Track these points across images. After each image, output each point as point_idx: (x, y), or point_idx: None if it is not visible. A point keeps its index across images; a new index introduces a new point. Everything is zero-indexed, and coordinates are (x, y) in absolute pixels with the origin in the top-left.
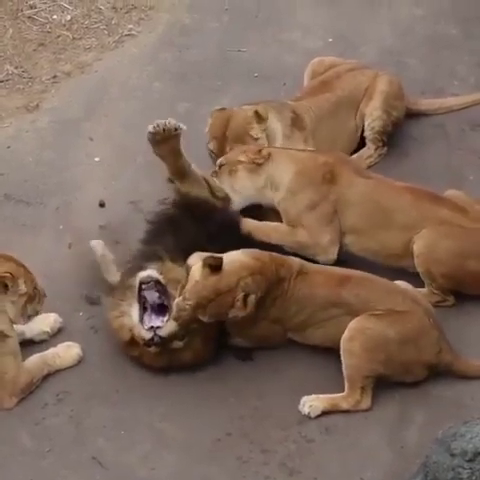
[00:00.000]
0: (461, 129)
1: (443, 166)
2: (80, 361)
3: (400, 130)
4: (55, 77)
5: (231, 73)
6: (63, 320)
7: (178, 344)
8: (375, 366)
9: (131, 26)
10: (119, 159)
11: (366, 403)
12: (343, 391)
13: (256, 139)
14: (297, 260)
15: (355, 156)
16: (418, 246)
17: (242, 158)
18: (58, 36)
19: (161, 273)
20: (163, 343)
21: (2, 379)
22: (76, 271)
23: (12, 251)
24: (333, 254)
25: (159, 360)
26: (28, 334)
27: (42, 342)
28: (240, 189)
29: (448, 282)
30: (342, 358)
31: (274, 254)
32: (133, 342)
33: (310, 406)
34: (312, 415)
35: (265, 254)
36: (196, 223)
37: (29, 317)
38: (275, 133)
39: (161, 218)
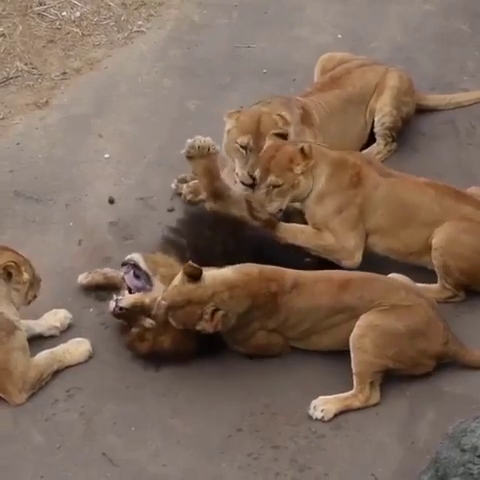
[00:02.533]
0: (471, 125)
1: (453, 162)
2: (90, 357)
3: (410, 126)
4: (64, 74)
5: (240, 69)
6: (73, 316)
7: (150, 322)
8: (386, 361)
9: (140, 22)
10: (129, 156)
11: (375, 398)
12: (351, 385)
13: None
14: (292, 272)
15: (365, 152)
16: (437, 239)
17: (298, 169)
18: (67, 33)
19: (150, 261)
20: (128, 316)
21: (12, 374)
22: (86, 267)
23: (22, 248)
24: (358, 258)
25: (142, 345)
26: (38, 329)
27: (52, 338)
28: (300, 195)
29: (464, 277)
30: (352, 355)
31: (267, 269)
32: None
33: (322, 410)
34: (326, 418)
35: (255, 270)
36: (216, 234)
37: (29, 302)
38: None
39: (190, 218)
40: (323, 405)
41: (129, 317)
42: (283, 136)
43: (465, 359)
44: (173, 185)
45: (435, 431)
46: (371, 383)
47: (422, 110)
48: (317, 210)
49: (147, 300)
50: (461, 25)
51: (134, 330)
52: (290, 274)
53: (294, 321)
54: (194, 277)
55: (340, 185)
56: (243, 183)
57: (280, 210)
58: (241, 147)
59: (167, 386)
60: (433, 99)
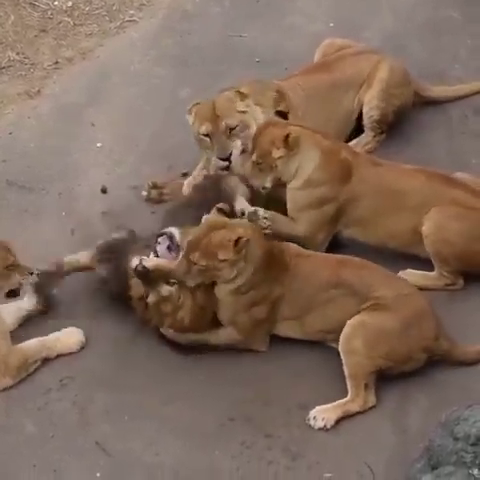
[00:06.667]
0: (464, 114)
1: (446, 150)
2: (83, 347)
3: (403, 115)
4: (57, 63)
5: (233, 58)
6: (66, 306)
7: (168, 289)
8: (378, 361)
9: (132, 12)
10: (121, 144)
11: (372, 400)
12: (342, 372)
13: (244, 112)
14: (294, 245)
15: (353, 142)
16: (427, 226)
17: (276, 154)
18: (59, 22)
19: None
20: (148, 277)
21: None
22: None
23: (15, 237)
24: (318, 251)
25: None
26: (25, 305)
27: (46, 327)
28: (280, 177)
29: (459, 263)
30: (343, 358)
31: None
32: (141, 299)
33: (323, 419)
34: (328, 427)
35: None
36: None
37: (15, 291)
38: (256, 118)
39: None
40: (323, 414)
41: (149, 279)
42: (283, 114)
43: (456, 356)
44: (144, 192)
45: (428, 419)
46: (366, 385)
47: (425, 102)
48: (298, 197)
49: (170, 268)
50: (452, 13)
51: (151, 299)
52: (293, 245)
53: (295, 290)
54: (224, 213)
55: (329, 178)
56: (219, 167)
57: (263, 188)
58: (205, 136)
59: (160, 375)
60: (435, 91)
